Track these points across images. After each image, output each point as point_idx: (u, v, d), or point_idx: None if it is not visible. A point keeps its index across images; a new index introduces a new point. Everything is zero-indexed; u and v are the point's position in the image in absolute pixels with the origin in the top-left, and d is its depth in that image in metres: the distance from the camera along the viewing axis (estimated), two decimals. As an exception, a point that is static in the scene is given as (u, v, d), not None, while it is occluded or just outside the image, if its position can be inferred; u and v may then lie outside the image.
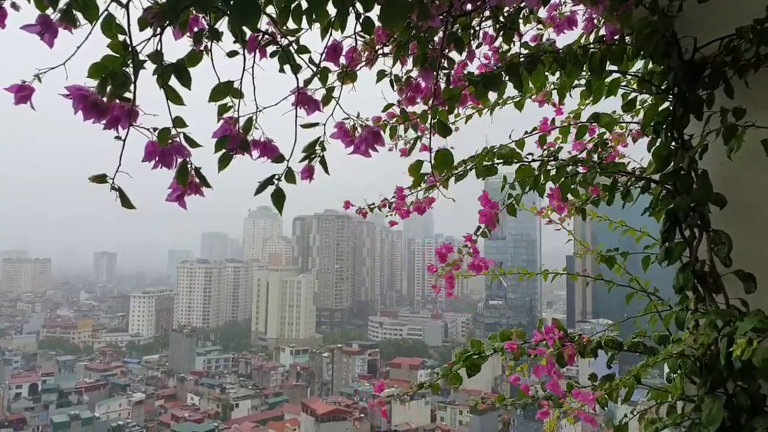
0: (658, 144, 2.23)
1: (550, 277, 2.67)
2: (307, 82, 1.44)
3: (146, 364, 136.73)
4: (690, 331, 2.09)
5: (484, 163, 2.25)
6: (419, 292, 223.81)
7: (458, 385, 2.17)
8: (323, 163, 1.47)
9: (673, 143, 2.17)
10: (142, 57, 1.17)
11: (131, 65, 1.15)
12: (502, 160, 2.25)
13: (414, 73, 1.71)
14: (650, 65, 2.23)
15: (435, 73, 1.61)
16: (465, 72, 1.78)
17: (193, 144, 1.27)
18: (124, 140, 1.22)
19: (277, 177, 1.38)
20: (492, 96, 2.23)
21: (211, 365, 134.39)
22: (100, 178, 1.23)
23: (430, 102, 1.71)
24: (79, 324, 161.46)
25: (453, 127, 2.18)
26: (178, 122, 1.24)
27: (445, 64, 1.68)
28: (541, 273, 2.61)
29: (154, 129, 1.22)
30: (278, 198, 1.38)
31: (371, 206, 2.35)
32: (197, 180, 1.30)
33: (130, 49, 1.14)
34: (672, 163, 2.18)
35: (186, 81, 1.21)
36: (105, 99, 1.16)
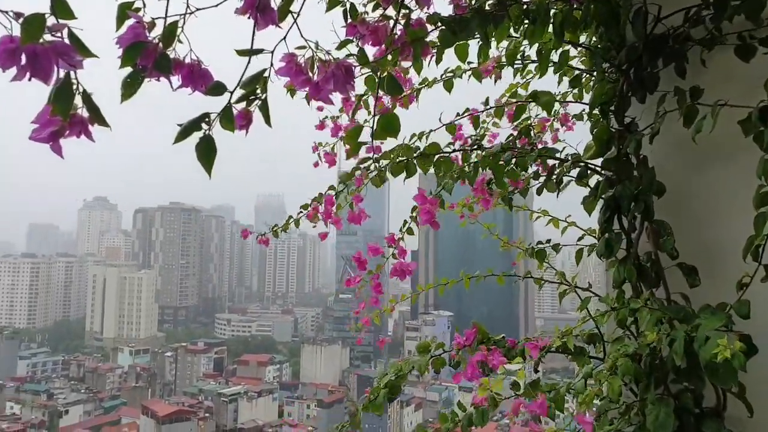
0: (599, 127, 2.06)
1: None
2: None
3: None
4: (627, 329, 1.94)
5: (399, 159, 1.98)
6: (270, 287, 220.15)
7: (380, 414, 1.94)
8: (265, 110, 1.03)
9: (615, 126, 2.02)
10: None
11: None
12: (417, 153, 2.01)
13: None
14: (593, 38, 2.06)
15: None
16: (428, 14, 1.43)
17: (85, 51, 0.76)
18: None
19: (208, 119, 0.91)
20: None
21: (36, 369, 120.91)
22: None
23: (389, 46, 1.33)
24: None
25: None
26: (63, 9, 0.71)
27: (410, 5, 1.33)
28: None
29: (17, 15, 0.71)
30: (206, 150, 0.89)
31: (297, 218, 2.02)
32: (85, 114, 0.80)
33: None
34: (612, 148, 2.03)
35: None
36: None
